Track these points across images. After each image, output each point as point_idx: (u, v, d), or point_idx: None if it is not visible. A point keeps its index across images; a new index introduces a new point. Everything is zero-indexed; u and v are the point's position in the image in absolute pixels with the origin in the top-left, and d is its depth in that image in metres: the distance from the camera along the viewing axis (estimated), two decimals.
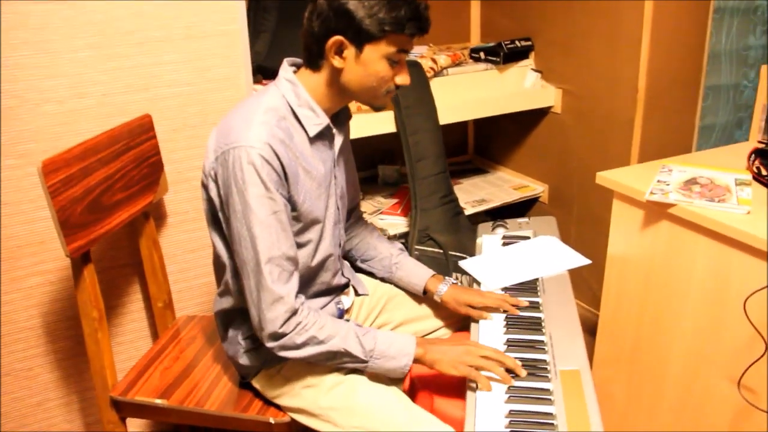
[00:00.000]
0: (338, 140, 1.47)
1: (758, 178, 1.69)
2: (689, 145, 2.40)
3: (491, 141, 3.03)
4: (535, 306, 1.63)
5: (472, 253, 2.39)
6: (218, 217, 1.39)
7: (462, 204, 2.48)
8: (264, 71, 2.16)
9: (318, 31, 1.33)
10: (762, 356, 1.42)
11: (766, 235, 1.41)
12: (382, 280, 1.75)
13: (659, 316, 1.71)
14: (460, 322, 1.74)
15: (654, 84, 2.20)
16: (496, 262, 1.82)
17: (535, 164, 2.78)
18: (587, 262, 1.80)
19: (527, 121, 2.69)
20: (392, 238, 2.41)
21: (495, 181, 2.87)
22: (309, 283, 1.50)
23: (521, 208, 2.83)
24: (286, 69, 1.42)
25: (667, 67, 2.22)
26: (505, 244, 1.94)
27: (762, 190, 1.64)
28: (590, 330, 1.97)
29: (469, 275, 1.79)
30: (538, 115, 2.64)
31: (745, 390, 1.48)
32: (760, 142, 1.99)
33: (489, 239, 2.01)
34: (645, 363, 1.78)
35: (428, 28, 1.36)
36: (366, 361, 1.38)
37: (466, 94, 2.47)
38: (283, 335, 1.33)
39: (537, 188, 2.74)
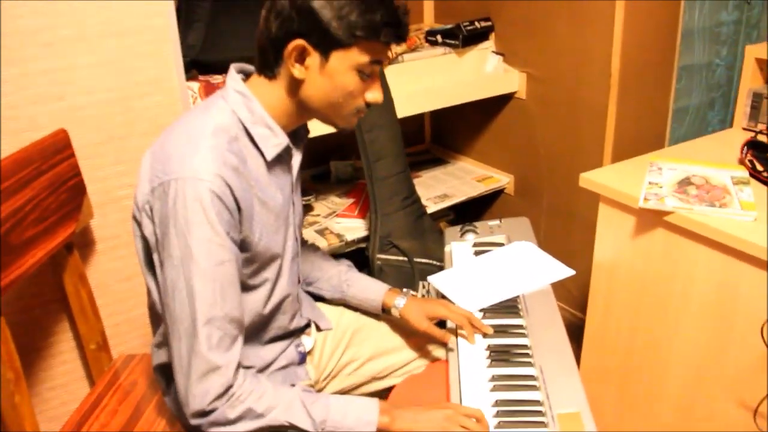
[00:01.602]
0: (296, 161, 1.26)
1: (756, 175, 1.55)
2: (663, 130, 2.25)
3: (450, 129, 2.84)
4: (520, 331, 1.46)
5: (439, 258, 2.22)
6: (153, 259, 1.16)
7: (423, 201, 2.29)
8: (199, 66, 1.91)
9: (276, 33, 1.10)
10: None
11: None
12: (330, 301, 1.55)
13: (655, 330, 1.56)
14: (427, 357, 1.55)
15: (627, 66, 2.04)
16: (470, 276, 1.64)
17: (499, 153, 2.60)
18: (571, 273, 1.63)
19: (489, 107, 2.50)
20: (350, 243, 2.20)
21: (456, 172, 2.68)
22: (262, 329, 1.29)
23: (485, 201, 2.66)
24: (234, 78, 1.18)
25: (641, 48, 2.05)
26: (477, 252, 1.76)
27: (764, 190, 1.49)
28: (570, 334, 1.82)
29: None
30: (501, 101, 2.45)
31: (760, 417, 1.35)
32: (745, 129, 1.86)
33: (459, 247, 1.82)
34: (639, 379, 1.64)
35: (406, 35, 1.15)
36: None
37: (424, 82, 2.25)
38: (213, 411, 1.09)
39: (502, 179, 2.57)
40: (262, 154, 1.17)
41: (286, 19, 1.08)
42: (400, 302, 1.45)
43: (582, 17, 2.07)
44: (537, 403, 1.27)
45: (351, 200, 2.43)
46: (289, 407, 1.13)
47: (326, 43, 1.09)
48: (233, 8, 1.95)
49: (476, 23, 2.32)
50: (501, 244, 1.80)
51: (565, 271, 1.64)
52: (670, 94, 2.20)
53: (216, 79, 1.88)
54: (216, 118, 1.13)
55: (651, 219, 1.49)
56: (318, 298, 1.55)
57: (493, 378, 1.34)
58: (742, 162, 1.63)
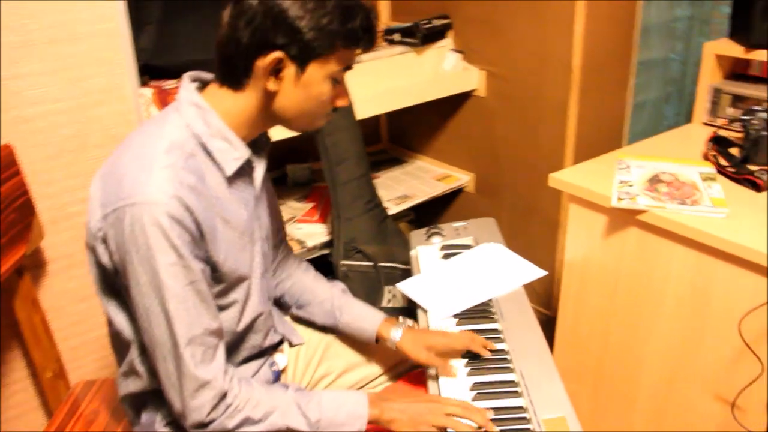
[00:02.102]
0: (259, 172, 1.18)
1: (722, 170, 1.56)
2: (622, 124, 2.26)
3: (407, 128, 2.80)
4: (496, 336, 1.43)
5: (404, 262, 2.18)
6: (114, 286, 1.09)
7: (384, 203, 2.24)
8: (151, 71, 1.82)
9: (247, 43, 1.02)
10: (758, 377, 1.29)
11: (750, 242, 1.27)
12: (322, 328, 1.48)
13: (629, 328, 1.55)
14: (404, 365, 1.51)
15: (588, 62, 2.03)
16: (440, 281, 1.60)
17: (459, 152, 2.58)
18: (542, 273, 1.61)
19: (448, 105, 2.47)
20: (312, 249, 2.14)
21: (415, 172, 2.65)
22: (236, 349, 1.23)
23: (445, 200, 2.63)
24: (188, 89, 1.10)
25: (601, 44, 2.05)
26: (445, 256, 1.73)
27: (733, 186, 1.50)
28: None
29: (413, 302, 1.56)
30: (460, 98, 2.43)
31: (737, 410, 1.36)
32: (705, 123, 1.87)
33: (426, 251, 1.78)
34: (613, 377, 1.63)
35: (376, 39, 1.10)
36: None
37: (383, 82, 2.21)
38: (212, 422, 1.07)
39: (462, 178, 2.55)
40: (221, 170, 1.10)
41: (259, 28, 1.01)
42: (396, 334, 1.37)
43: (542, 14, 2.06)
44: (521, 409, 1.25)
45: (310, 204, 2.37)
46: (285, 411, 1.12)
47: (305, 54, 1.03)
48: (186, 10, 1.86)
49: (434, 21, 2.28)
50: (469, 246, 1.77)
51: (536, 272, 1.62)
52: (628, 90, 2.21)
53: (169, 84, 1.80)
54: (169, 135, 1.05)
55: (623, 218, 1.48)
56: (304, 322, 1.49)
57: (475, 386, 1.31)
58: (707, 157, 1.64)
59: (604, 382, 1.67)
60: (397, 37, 2.25)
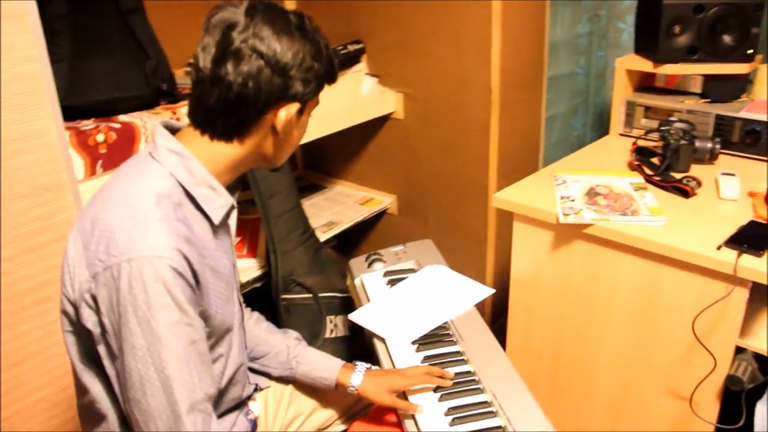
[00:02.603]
0: (233, 219, 1.14)
1: (649, 179, 1.65)
2: (538, 138, 2.35)
3: (323, 153, 2.77)
4: (459, 358, 1.44)
5: (341, 290, 2.16)
6: (91, 353, 1.01)
7: None
8: (66, 111, 1.70)
9: (256, 98, 1.00)
10: (712, 371, 1.37)
11: (693, 247, 1.36)
12: (279, 379, 1.42)
13: (581, 336, 1.61)
14: (361, 404, 1.50)
15: (506, 81, 2.10)
16: (392, 308, 1.59)
17: (379, 174, 2.58)
18: (491, 291, 1.64)
19: (365, 128, 2.47)
20: (245, 285, 2.07)
21: (336, 197, 2.62)
22: (218, 404, 1.16)
23: (367, 224, 2.62)
24: (165, 136, 1.05)
25: (517, 63, 2.13)
26: (390, 282, 1.72)
27: (663, 194, 1.59)
28: None
29: (370, 331, 1.54)
30: (378, 122, 2.43)
31: (685, 402, 1.43)
32: (621, 135, 1.98)
33: (370, 278, 1.77)
34: (568, 384, 1.68)
35: None
36: None
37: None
38: None
39: (385, 200, 2.55)
40: (207, 218, 1.06)
41: (266, 82, 0.99)
42: (356, 380, 1.34)
43: (458, 36, 2.10)
44: (500, 429, 1.27)
45: (237, 239, 2.29)
46: None
47: (308, 98, 1.05)
48: (96, 46, 1.75)
49: (348, 46, 2.28)
50: (412, 270, 1.78)
51: (484, 291, 1.65)
52: (542, 105, 2.30)
53: (86, 125, 1.68)
54: (154, 185, 1.00)
55: (569, 232, 1.53)
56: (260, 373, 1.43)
57: (449, 411, 1.31)
58: (633, 168, 1.73)
59: (559, 389, 1.72)
60: None
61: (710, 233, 1.40)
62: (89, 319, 0.98)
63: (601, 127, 2.57)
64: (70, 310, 1.00)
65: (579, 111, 2.48)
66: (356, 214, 2.47)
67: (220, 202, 1.07)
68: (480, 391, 1.38)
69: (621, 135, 1.97)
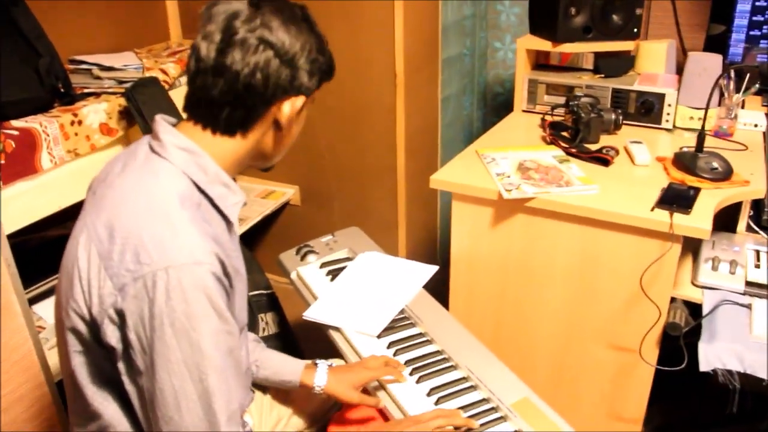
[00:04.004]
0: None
1: (569, 152, 1.77)
2: (436, 119, 2.42)
3: None
4: (424, 339, 1.49)
5: (266, 287, 2.11)
6: (112, 375, 0.93)
7: None
8: None
9: (264, 90, 0.96)
10: (657, 321, 1.52)
11: (631, 210, 1.49)
12: (255, 386, 1.38)
13: (523, 305, 1.70)
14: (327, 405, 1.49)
15: (409, 65, 2.15)
16: (346, 300, 1.60)
17: (278, 166, 2.51)
18: (434, 269, 1.70)
19: None
20: None
21: None
22: None
23: (268, 217, 2.57)
24: (172, 133, 0.98)
25: (416, 46, 2.18)
26: (330, 273, 1.72)
27: (584, 165, 1.71)
28: None
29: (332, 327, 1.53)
30: None
31: (626, 352, 1.58)
32: (524, 111, 2.09)
33: (308, 272, 1.76)
34: (511, 348, 1.77)
35: None
36: None
37: None
38: None
39: (287, 191, 2.51)
40: (224, 218, 1.01)
41: (275, 73, 0.96)
42: (321, 380, 1.33)
43: (360, 22, 2.11)
44: (485, 401, 1.33)
45: None
46: None
47: (309, 91, 1.02)
48: (5, 41, 1.58)
49: None
50: (348, 259, 1.79)
51: (429, 270, 1.70)
52: (438, 86, 2.37)
53: None
54: (173, 186, 0.94)
55: (509, 207, 1.61)
56: None
57: (432, 392, 1.35)
58: (550, 141, 1.84)
59: (502, 353, 1.81)
60: None
61: (638, 196, 1.54)
62: (113, 336, 0.90)
63: (485, 105, 2.70)
64: (82, 328, 0.92)
65: (467, 91, 2.59)
66: (262, 207, 2.41)
67: (235, 200, 1.02)
68: (454, 368, 1.42)
69: (524, 111, 2.08)
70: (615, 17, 1.92)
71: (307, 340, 2.05)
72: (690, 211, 1.46)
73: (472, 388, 1.37)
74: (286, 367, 1.35)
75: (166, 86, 1.92)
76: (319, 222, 2.46)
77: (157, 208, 0.91)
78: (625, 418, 1.68)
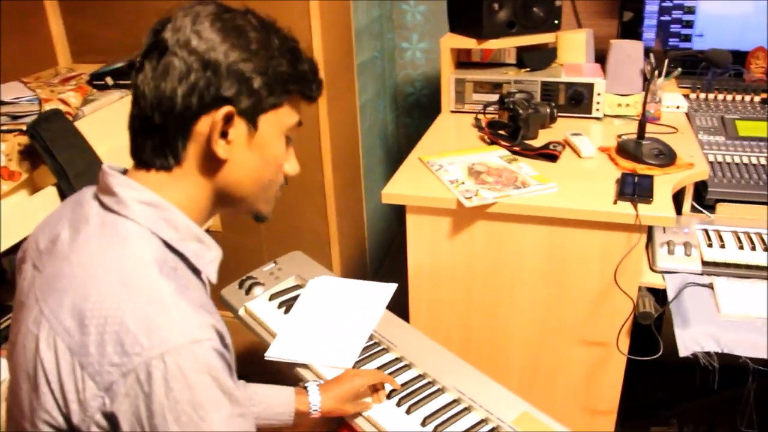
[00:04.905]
0: None
1: (513, 150, 1.74)
2: (355, 126, 2.34)
3: None
4: (402, 365, 1.41)
5: None
6: None
7: None
8: None
9: (183, 104, 0.81)
10: (632, 313, 1.52)
11: (594, 206, 1.48)
12: None
13: (492, 312, 1.66)
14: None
15: (329, 73, 2.04)
16: (308, 333, 1.49)
17: None
18: (393, 287, 1.63)
19: None
20: None
21: None
22: None
23: None
24: (128, 185, 0.84)
25: (334, 54, 2.08)
26: (282, 305, 1.61)
27: (531, 162, 1.69)
28: None
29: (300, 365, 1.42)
30: None
31: (599, 346, 1.57)
32: (453, 111, 2.04)
33: (257, 306, 1.63)
34: (482, 355, 1.72)
35: None
36: None
37: (115, 135, 1.88)
38: None
39: None
40: (200, 278, 0.87)
41: (197, 83, 0.81)
42: (315, 401, 1.25)
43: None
44: (485, 422, 1.28)
45: None
46: None
47: (257, 105, 0.85)
48: None
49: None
50: (298, 287, 1.68)
51: (388, 289, 1.62)
52: (355, 93, 2.28)
53: None
54: (145, 252, 0.80)
55: (468, 215, 1.56)
56: None
57: (425, 421, 1.28)
58: (491, 141, 1.81)
59: (473, 361, 1.77)
60: (109, 80, 1.93)
61: (596, 190, 1.53)
62: None
63: (396, 107, 2.65)
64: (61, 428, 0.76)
65: (380, 94, 2.52)
66: None
67: (210, 256, 0.89)
68: (441, 391, 1.36)
69: (453, 112, 2.04)
70: (536, 10, 1.92)
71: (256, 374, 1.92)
72: (651, 200, 1.46)
73: (467, 410, 1.31)
74: (279, 398, 1.26)
75: (70, 118, 1.71)
76: (246, 247, 2.31)
77: (134, 283, 0.77)
78: (600, 410, 1.68)
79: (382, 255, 2.67)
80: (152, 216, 0.82)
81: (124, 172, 0.88)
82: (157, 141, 0.83)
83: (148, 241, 0.81)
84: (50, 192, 1.62)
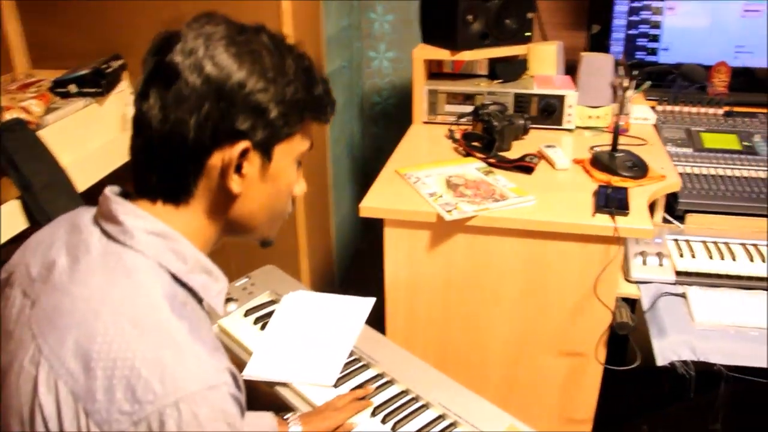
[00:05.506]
0: None
1: (489, 162, 1.74)
2: (325, 138, 2.31)
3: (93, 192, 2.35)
4: (384, 381, 1.39)
5: None
6: None
7: None
8: None
9: (195, 138, 0.76)
10: (611, 324, 1.53)
11: (573, 218, 1.49)
12: None
13: (471, 324, 1.66)
14: None
15: None
16: (286, 350, 1.46)
17: None
18: (372, 301, 1.60)
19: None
20: None
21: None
22: None
23: None
24: (135, 213, 0.79)
25: None
26: (257, 321, 1.57)
27: (506, 174, 1.69)
28: None
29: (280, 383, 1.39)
30: None
31: (576, 357, 1.59)
32: (426, 122, 2.04)
33: (232, 323, 1.59)
34: (460, 367, 1.71)
35: None
36: None
37: (81, 145, 1.82)
38: None
39: None
40: (210, 311, 0.84)
41: (210, 115, 0.76)
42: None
43: None
44: None
45: None
46: None
47: (272, 137, 0.81)
48: None
49: (111, 63, 1.95)
50: (273, 302, 1.64)
51: (366, 303, 1.60)
52: None
53: None
54: (155, 288, 0.75)
55: (448, 228, 1.55)
56: None
57: None
58: (466, 153, 1.81)
59: (452, 373, 1.76)
60: (72, 88, 1.86)
61: (573, 202, 1.54)
62: None
63: (363, 117, 2.63)
64: None
65: (347, 105, 2.50)
66: None
67: (217, 288, 0.85)
68: (426, 407, 1.34)
69: (425, 123, 2.03)
70: (509, 22, 1.93)
71: None
72: (628, 212, 1.48)
73: (453, 425, 1.30)
74: (261, 425, 1.22)
75: (33, 127, 1.64)
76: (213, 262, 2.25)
77: (145, 323, 0.72)
78: (576, 419, 1.70)
79: (347, 267, 2.65)
80: (160, 247, 0.78)
81: (123, 193, 0.84)
82: (164, 174, 0.79)
83: (156, 275, 0.77)
84: (14, 205, 1.55)
